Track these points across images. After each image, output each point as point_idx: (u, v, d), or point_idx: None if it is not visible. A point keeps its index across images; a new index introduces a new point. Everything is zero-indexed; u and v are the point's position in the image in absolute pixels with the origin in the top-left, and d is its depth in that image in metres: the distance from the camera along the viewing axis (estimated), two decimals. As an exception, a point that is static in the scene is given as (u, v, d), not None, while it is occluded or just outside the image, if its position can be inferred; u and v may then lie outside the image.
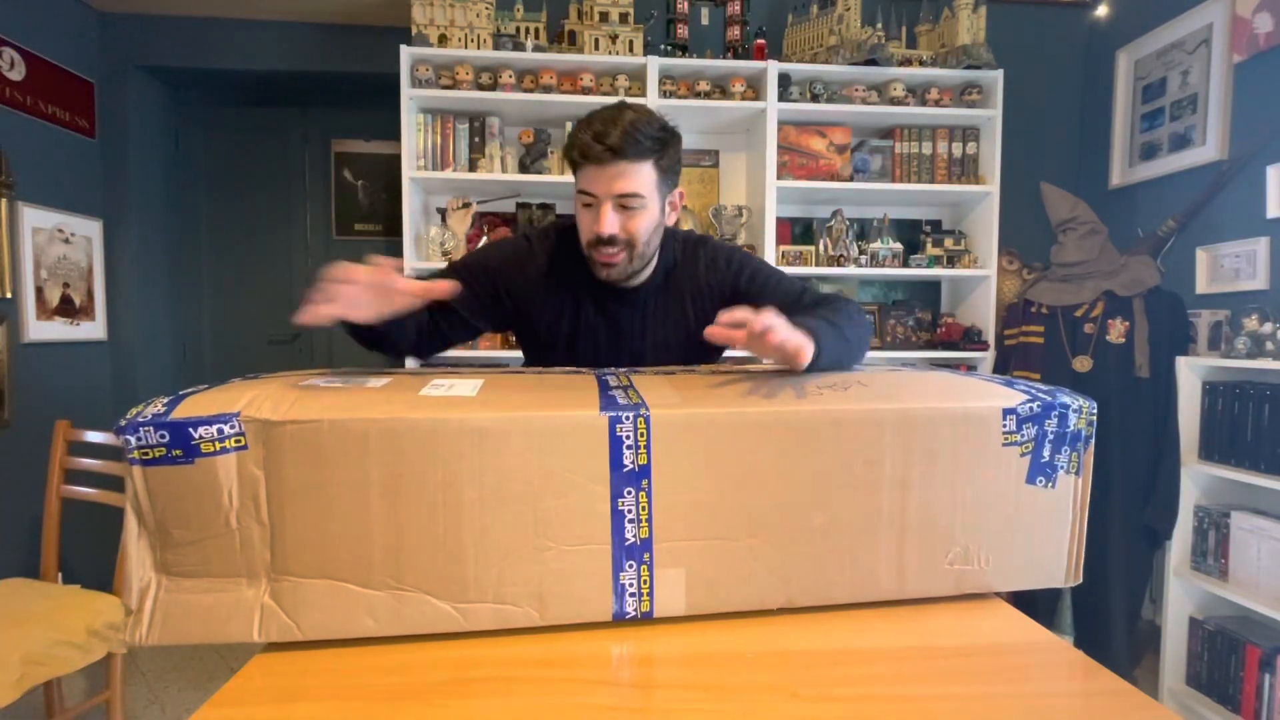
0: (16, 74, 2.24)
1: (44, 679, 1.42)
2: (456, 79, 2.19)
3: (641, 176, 0.90)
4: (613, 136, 0.86)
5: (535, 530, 0.55)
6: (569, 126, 2.27)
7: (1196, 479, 1.91)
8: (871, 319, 2.55)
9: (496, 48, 2.20)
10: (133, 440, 0.50)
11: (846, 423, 0.60)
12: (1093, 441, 0.66)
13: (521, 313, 1.04)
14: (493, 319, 1.04)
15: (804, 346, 0.66)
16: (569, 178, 2.22)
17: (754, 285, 1.02)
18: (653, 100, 2.21)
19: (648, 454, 0.56)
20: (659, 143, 0.90)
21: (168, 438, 0.50)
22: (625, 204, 0.90)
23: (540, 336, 1.04)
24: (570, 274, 1.01)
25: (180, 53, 2.62)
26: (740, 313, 0.65)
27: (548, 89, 2.22)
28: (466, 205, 2.31)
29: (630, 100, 1.01)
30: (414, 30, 2.17)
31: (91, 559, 2.50)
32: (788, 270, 2.33)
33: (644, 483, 0.56)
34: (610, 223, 0.90)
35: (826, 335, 0.72)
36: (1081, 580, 0.67)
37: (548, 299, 1.02)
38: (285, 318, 3.08)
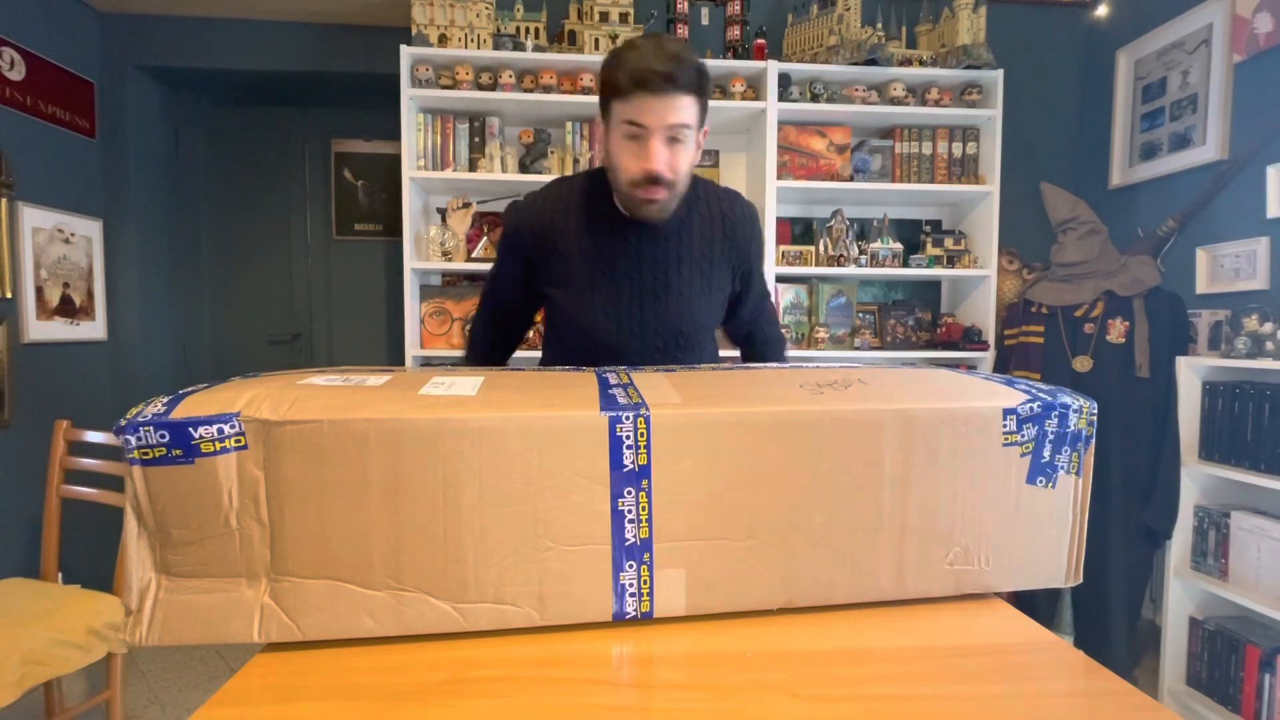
0: (16, 74, 2.24)
1: (44, 679, 1.42)
2: (456, 79, 2.19)
3: (691, 108, 0.89)
4: (669, 65, 0.84)
5: (535, 530, 0.55)
6: (569, 126, 2.28)
7: (1196, 479, 1.91)
8: (872, 318, 2.55)
9: (496, 48, 2.20)
10: (132, 440, 0.50)
11: (847, 423, 0.60)
12: (1093, 442, 0.66)
13: (550, 258, 1.02)
14: (537, 278, 1.07)
15: None
16: (569, 178, 2.24)
17: (755, 262, 1.10)
18: (653, 100, 2.21)
19: (648, 454, 0.56)
20: (701, 75, 0.89)
21: (168, 437, 0.50)
22: (675, 135, 0.89)
23: (570, 278, 1.02)
24: (598, 212, 1.00)
25: (180, 53, 2.62)
26: None
27: (548, 89, 2.22)
28: (466, 205, 2.31)
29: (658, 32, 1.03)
30: (414, 30, 2.17)
31: (91, 559, 2.50)
32: (788, 270, 2.33)
33: (644, 483, 0.56)
34: (661, 158, 0.88)
35: None
36: (1081, 580, 0.67)
37: (578, 240, 1.00)
38: (285, 317, 3.08)
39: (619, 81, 0.87)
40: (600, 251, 1.00)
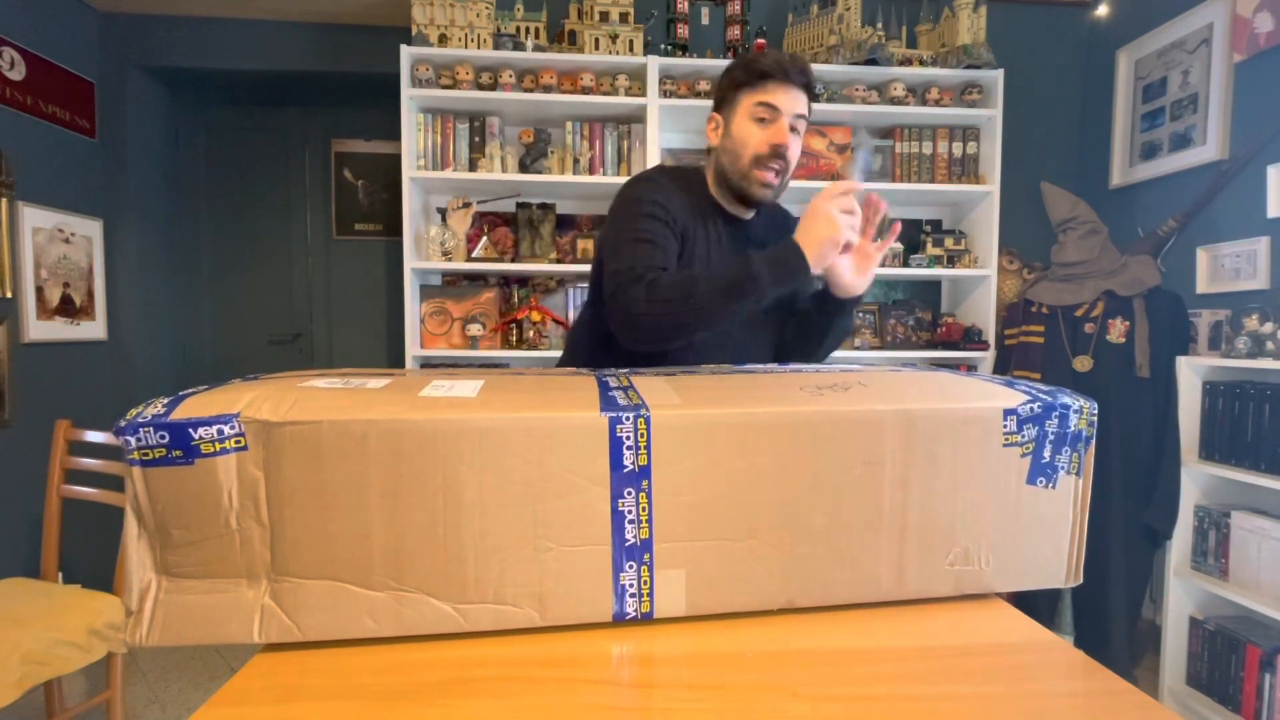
0: (16, 74, 2.24)
1: (44, 679, 1.42)
2: (456, 79, 2.19)
3: (807, 106, 1.02)
4: (798, 64, 0.99)
5: (535, 531, 0.55)
6: (569, 126, 2.28)
7: (1197, 479, 1.91)
8: (872, 318, 2.55)
9: (496, 47, 2.20)
10: (132, 441, 0.50)
11: (847, 423, 0.60)
12: (1093, 442, 0.66)
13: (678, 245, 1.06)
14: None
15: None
16: (569, 178, 2.25)
17: None
18: (653, 100, 2.22)
19: (648, 454, 0.56)
20: (814, 84, 1.04)
21: (168, 438, 0.50)
22: (794, 125, 1.01)
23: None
24: (698, 208, 1.07)
25: (180, 53, 2.62)
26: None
27: (548, 89, 2.22)
28: (466, 205, 2.31)
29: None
30: (414, 30, 2.17)
31: (91, 559, 2.50)
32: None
33: (644, 483, 0.56)
34: (789, 135, 1.00)
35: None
36: (1081, 581, 0.67)
37: (694, 232, 1.05)
38: (285, 318, 3.08)
39: (756, 69, 0.99)
40: (707, 245, 1.06)
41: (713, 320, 0.89)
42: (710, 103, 2.22)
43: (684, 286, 0.89)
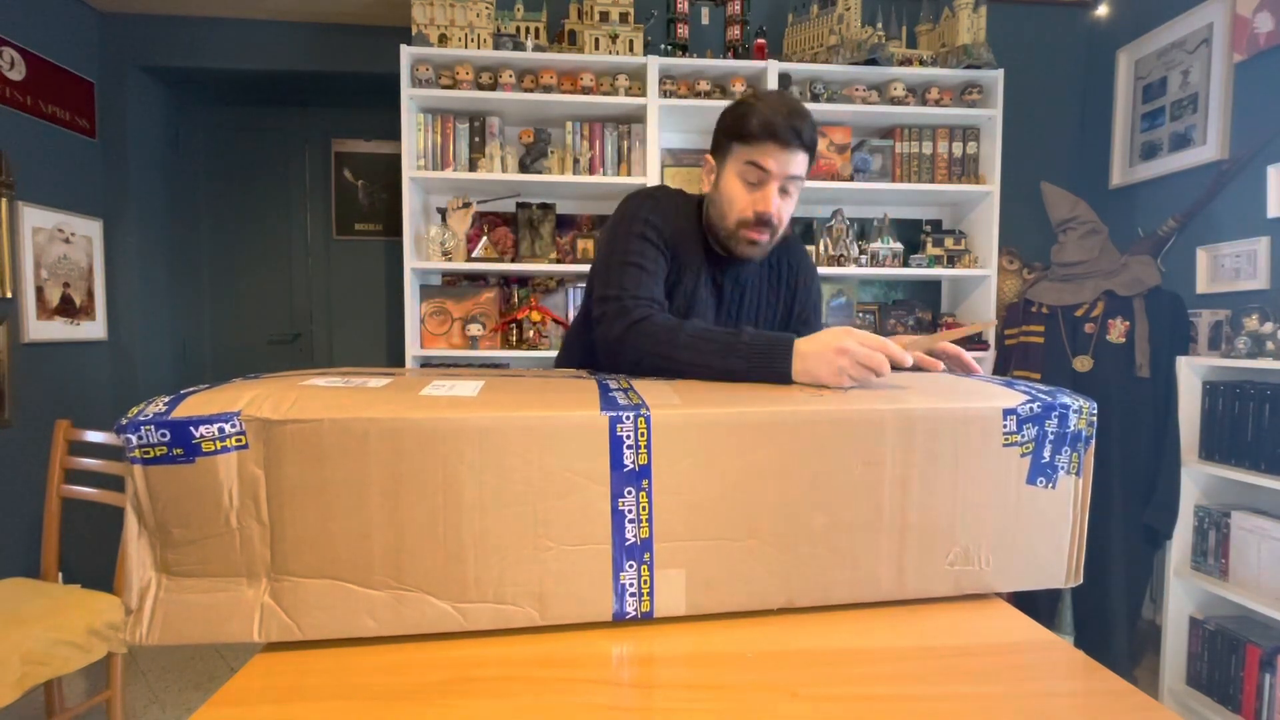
0: (16, 74, 2.24)
1: (44, 679, 1.42)
2: (456, 79, 2.19)
3: (804, 164, 0.96)
4: (802, 125, 0.92)
5: (536, 530, 0.55)
6: (569, 126, 2.28)
7: (1197, 479, 1.91)
8: (872, 318, 2.55)
9: (496, 47, 2.20)
10: (133, 439, 0.50)
11: (847, 423, 0.60)
12: (1093, 442, 0.66)
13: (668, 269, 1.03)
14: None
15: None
16: (569, 178, 2.25)
17: (816, 305, 1.16)
18: (653, 100, 2.22)
19: (648, 454, 0.56)
20: (816, 136, 0.97)
21: (168, 437, 0.50)
22: (786, 187, 0.96)
23: (669, 296, 1.03)
24: (690, 240, 1.04)
25: (180, 53, 2.62)
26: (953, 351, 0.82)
27: (548, 89, 2.22)
28: (466, 205, 2.31)
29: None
30: (414, 30, 2.17)
31: (91, 559, 2.50)
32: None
33: (644, 483, 0.56)
34: (774, 203, 0.95)
35: None
36: (1081, 581, 0.67)
37: (682, 263, 1.03)
38: (285, 318, 3.08)
39: (749, 127, 0.92)
40: (694, 280, 1.04)
41: (685, 377, 0.82)
42: (711, 102, 2.24)
43: (667, 340, 0.84)
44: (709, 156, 1.04)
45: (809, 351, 0.72)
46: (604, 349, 0.93)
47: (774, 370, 0.74)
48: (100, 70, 2.59)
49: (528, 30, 2.28)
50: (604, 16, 2.24)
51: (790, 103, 0.93)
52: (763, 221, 0.96)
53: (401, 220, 2.21)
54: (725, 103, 2.26)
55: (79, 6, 2.49)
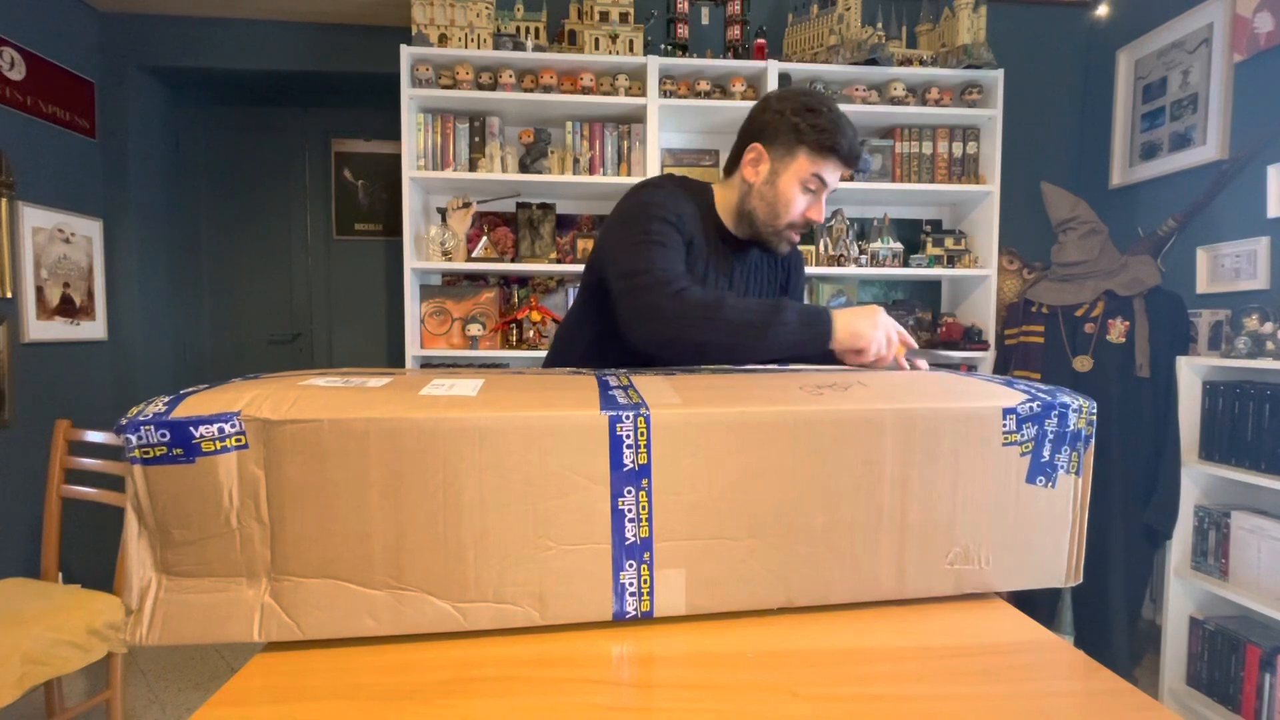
0: (16, 74, 2.24)
1: (44, 679, 1.42)
2: (456, 79, 2.19)
3: None
4: (860, 148, 1.04)
5: (536, 530, 0.55)
6: (569, 126, 2.28)
7: (1197, 479, 1.91)
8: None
9: (496, 47, 2.20)
10: (133, 439, 0.50)
11: (847, 423, 0.60)
12: (1093, 441, 0.66)
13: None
14: None
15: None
16: (569, 178, 2.25)
17: (797, 275, 1.24)
18: (653, 100, 2.22)
19: (648, 453, 0.56)
20: None
21: (168, 437, 0.50)
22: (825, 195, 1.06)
23: None
24: (701, 225, 1.07)
25: (180, 53, 2.62)
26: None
27: (548, 89, 2.22)
28: (466, 205, 2.31)
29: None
30: (414, 30, 2.17)
31: (91, 559, 2.50)
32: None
33: (644, 482, 0.56)
34: (823, 213, 1.06)
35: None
36: (1081, 580, 0.67)
37: (698, 252, 1.06)
38: (285, 318, 3.08)
39: (834, 146, 0.99)
40: (705, 265, 1.07)
41: (732, 342, 0.85)
42: (711, 103, 2.24)
43: (714, 304, 0.86)
44: (760, 146, 1.03)
45: (847, 311, 0.83)
46: (638, 319, 0.90)
47: (821, 324, 0.85)
48: (100, 70, 2.59)
49: (528, 30, 2.28)
50: (604, 16, 2.24)
51: (845, 120, 1.01)
52: (809, 225, 1.05)
53: (401, 220, 2.21)
54: (725, 103, 2.26)
55: (79, 6, 2.49)
